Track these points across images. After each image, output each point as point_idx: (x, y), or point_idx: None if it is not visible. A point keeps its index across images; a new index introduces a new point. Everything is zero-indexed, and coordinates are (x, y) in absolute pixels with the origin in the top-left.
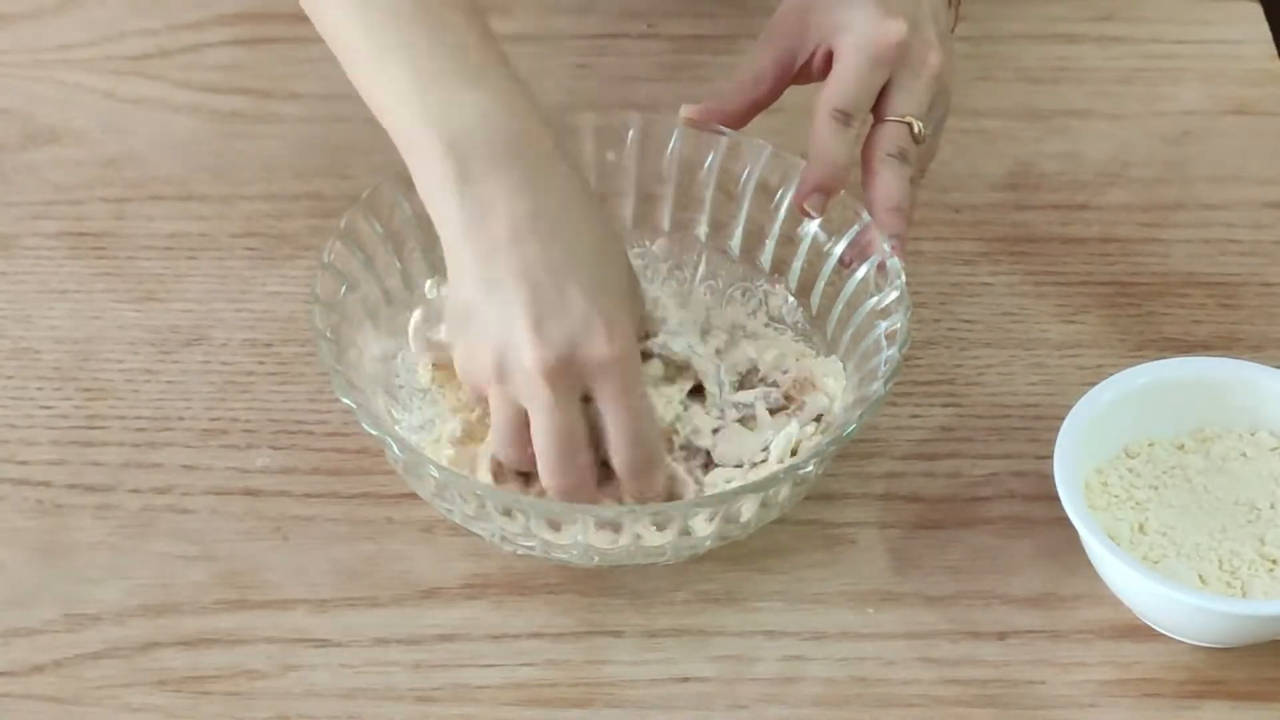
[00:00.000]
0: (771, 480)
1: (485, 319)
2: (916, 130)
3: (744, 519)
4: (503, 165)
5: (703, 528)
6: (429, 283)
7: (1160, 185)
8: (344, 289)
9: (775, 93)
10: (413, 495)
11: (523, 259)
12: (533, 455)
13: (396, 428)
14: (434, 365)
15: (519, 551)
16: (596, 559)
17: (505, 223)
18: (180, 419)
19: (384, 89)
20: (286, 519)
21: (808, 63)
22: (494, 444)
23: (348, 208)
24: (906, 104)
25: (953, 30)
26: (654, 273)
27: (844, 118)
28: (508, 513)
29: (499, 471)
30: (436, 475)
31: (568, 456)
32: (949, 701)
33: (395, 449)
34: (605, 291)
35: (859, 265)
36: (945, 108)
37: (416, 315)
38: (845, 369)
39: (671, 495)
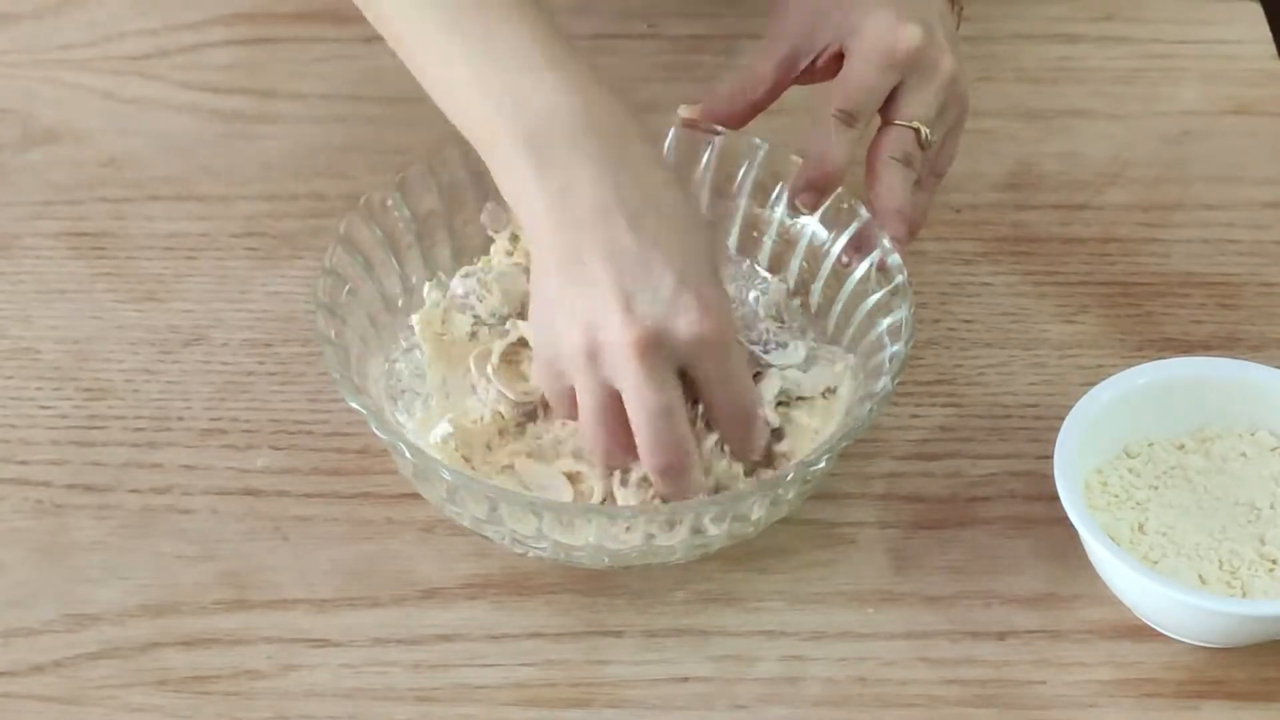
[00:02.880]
0: (780, 479)
1: (572, 303)
2: (923, 136)
3: (754, 517)
4: (581, 147)
5: (713, 527)
6: (427, 285)
7: (1160, 185)
8: (345, 293)
9: (775, 94)
10: (413, 495)
11: (608, 239)
12: (627, 440)
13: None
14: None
15: (530, 554)
16: (607, 560)
17: (588, 204)
18: (180, 419)
19: (453, 85)
20: (286, 519)
21: (812, 63)
22: (584, 434)
23: (347, 209)
24: (915, 109)
25: (956, 30)
26: None
27: (847, 118)
28: (520, 515)
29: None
30: (449, 479)
31: (667, 433)
32: (949, 701)
33: (406, 453)
34: (695, 268)
35: (858, 262)
36: (959, 113)
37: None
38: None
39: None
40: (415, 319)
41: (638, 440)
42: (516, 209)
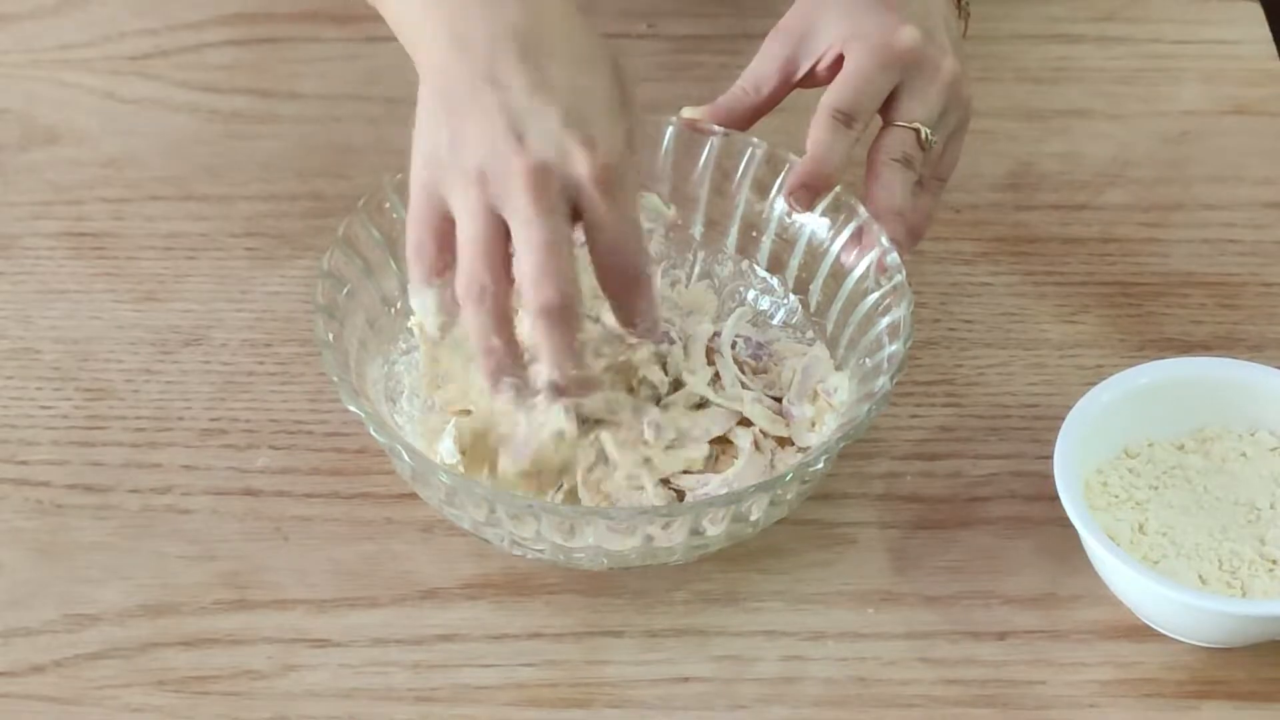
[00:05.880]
0: (779, 479)
1: (463, 123)
2: (924, 137)
3: (754, 517)
4: None
5: (712, 527)
6: None
7: (1160, 185)
8: (344, 296)
9: (778, 97)
10: (413, 495)
11: (495, 69)
12: (503, 275)
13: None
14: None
15: (529, 556)
16: (606, 561)
17: (480, 30)
18: (180, 419)
19: None
20: (286, 519)
21: (814, 67)
22: (462, 264)
23: (347, 211)
24: (915, 110)
25: (963, 36)
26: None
27: (845, 119)
28: (518, 518)
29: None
30: (447, 481)
31: (552, 265)
32: (949, 701)
33: (405, 456)
34: (585, 106)
35: (857, 261)
36: (962, 116)
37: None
38: (847, 366)
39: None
40: (414, 321)
41: (521, 274)
42: (410, 38)
